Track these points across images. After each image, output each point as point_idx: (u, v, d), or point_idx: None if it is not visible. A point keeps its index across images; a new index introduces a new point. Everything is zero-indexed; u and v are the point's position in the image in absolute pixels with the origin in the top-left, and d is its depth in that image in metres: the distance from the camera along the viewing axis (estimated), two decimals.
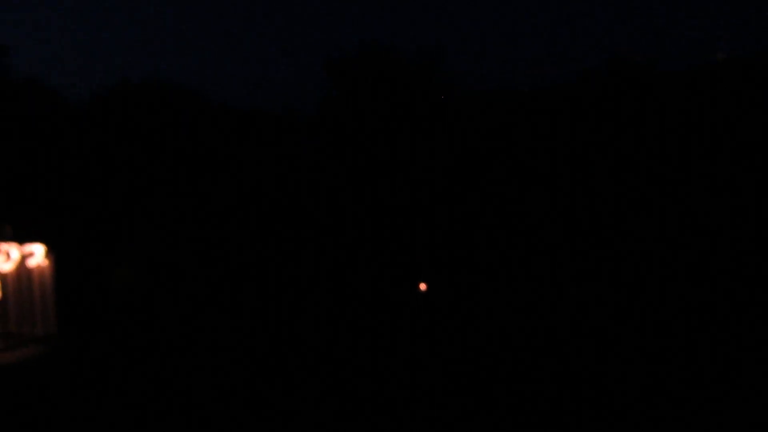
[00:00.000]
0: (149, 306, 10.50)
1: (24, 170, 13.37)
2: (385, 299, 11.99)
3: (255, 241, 13.92)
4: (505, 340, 9.68)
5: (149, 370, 8.06)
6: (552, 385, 7.79)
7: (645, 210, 15.41)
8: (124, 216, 13.28)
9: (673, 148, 16.05)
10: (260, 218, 14.86)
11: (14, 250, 7.99)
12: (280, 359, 8.79)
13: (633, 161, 16.05)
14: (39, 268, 8.11)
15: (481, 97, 18.40)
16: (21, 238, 8.15)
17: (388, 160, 17.20)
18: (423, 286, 13.01)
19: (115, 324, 9.60)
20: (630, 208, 15.56)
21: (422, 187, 16.69)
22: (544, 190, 16.50)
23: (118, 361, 8.23)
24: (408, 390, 7.77)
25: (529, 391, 7.61)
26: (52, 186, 13.26)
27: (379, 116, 17.84)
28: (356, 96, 18.39)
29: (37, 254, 8.13)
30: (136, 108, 15.88)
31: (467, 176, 16.92)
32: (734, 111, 15.95)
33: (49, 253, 8.14)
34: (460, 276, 13.65)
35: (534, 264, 14.00)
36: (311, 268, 13.51)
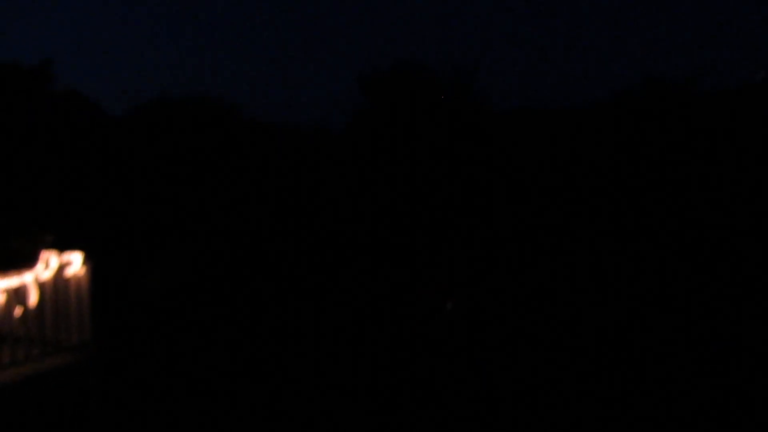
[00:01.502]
0: (183, 314, 10.64)
1: (65, 179, 13.74)
2: (412, 316, 11.97)
3: (288, 253, 14.04)
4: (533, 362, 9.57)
5: (182, 377, 8.15)
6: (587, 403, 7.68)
7: (679, 233, 15.13)
8: (160, 225, 13.53)
9: (714, 171, 15.78)
10: (293, 230, 14.99)
11: (53, 258, 8.13)
12: (311, 369, 8.83)
13: (673, 183, 15.81)
14: (76, 276, 8.24)
15: (515, 115, 18.37)
16: (60, 246, 8.31)
17: (419, 176, 17.24)
18: (450, 304, 12.94)
19: (148, 332, 9.75)
20: (665, 230, 15.30)
21: (454, 203, 16.67)
22: (578, 210, 16.34)
23: (151, 368, 8.35)
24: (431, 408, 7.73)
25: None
26: (91, 195, 13.59)
27: (412, 132, 17.91)
28: (389, 112, 18.50)
29: (75, 262, 8.26)
30: (175, 121, 16.22)
31: (499, 194, 16.85)
32: None
33: (87, 261, 8.27)
34: (489, 294, 13.55)
35: (570, 287, 13.84)
36: (342, 282, 13.56)
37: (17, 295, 7.69)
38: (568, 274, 14.23)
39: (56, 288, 7.97)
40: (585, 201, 16.39)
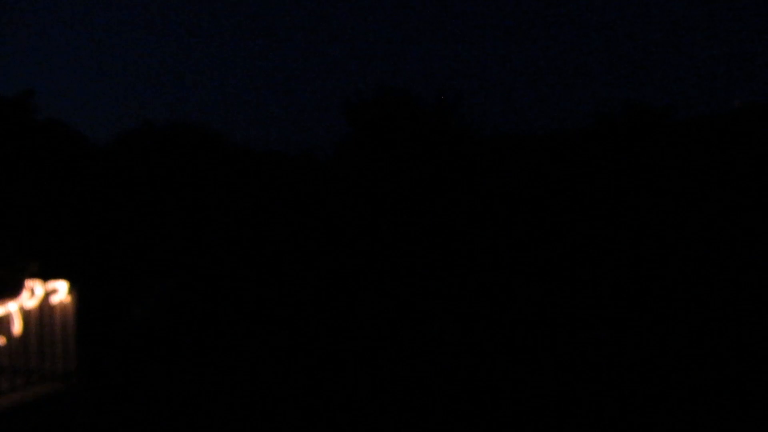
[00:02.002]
0: (169, 343, 10.54)
1: (49, 208, 13.66)
2: (397, 344, 11.95)
3: (276, 280, 14.01)
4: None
5: (170, 407, 8.04)
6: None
7: (660, 257, 15.35)
8: (145, 253, 13.47)
9: (693, 196, 16.07)
10: (280, 257, 14.98)
11: (38, 287, 8.08)
12: (308, 397, 8.76)
13: (652, 206, 16.07)
14: (61, 304, 8.19)
15: (497, 140, 18.64)
16: (45, 275, 8.26)
17: (404, 202, 17.36)
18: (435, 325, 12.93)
19: (134, 361, 9.63)
20: (647, 252, 15.50)
21: (439, 229, 16.79)
22: (562, 233, 16.53)
23: (138, 398, 8.23)
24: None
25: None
26: (75, 224, 13.52)
27: (396, 159, 18.09)
28: (373, 139, 18.70)
29: (61, 291, 8.21)
30: (159, 150, 16.24)
31: (483, 219, 17.01)
32: (756, 158, 15.99)
33: (72, 289, 8.22)
34: (477, 320, 13.59)
35: (559, 311, 13.92)
36: (329, 311, 13.53)
37: (1, 324, 7.62)
38: (551, 293, 14.35)
39: (41, 316, 7.90)
40: (567, 222, 16.59)
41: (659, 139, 17.71)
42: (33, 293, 7.96)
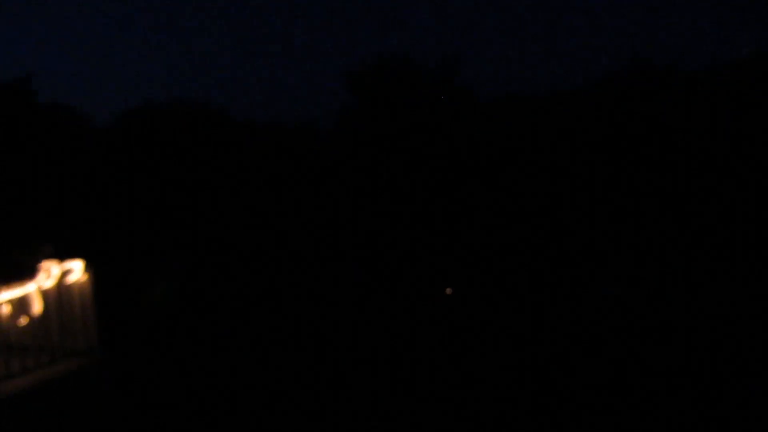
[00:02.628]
0: (186, 318, 10.73)
1: (61, 190, 13.78)
2: (408, 306, 12.09)
3: (283, 251, 14.14)
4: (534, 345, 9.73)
5: (189, 381, 8.24)
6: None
7: (665, 213, 15.34)
8: (156, 231, 13.60)
9: (701, 151, 15.95)
10: (286, 229, 15.09)
11: (54, 267, 8.22)
12: (315, 368, 8.94)
13: (660, 164, 15.99)
14: (78, 283, 8.34)
15: (500, 103, 18.51)
16: (60, 256, 8.39)
17: (407, 169, 17.36)
18: (449, 291, 13.09)
19: (153, 336, 9.83)
20: (650, 211, 15.50)
21: (442, 194, 16.81)
22: (566, 194, 16.51)
23: (158, 372, 8.43)
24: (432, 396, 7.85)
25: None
26: (87, 205, 13.63)
27: (398, 126, 18.03)
28: (375, 106, 18.62)
29: (76, 270, 8.35)
30: (164, 126, 16.28)
31: (488, 183, 17.00)
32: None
33: (88, 268, 8.36)
34: (484, 281, 13.71)
35: (557, 268, 14.01)
36: (333, 276, 13.68)
37: (21, 305, 7.78)
38: (561, 258, 14.42)
39: (59, 296, 8.06)
40: (574, 185, 16.55)
41: (666, 93, 17.50)
42: (49, 274, 8.10)
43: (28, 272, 8.14)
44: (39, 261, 8.23)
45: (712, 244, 13.65)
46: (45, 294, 8.01)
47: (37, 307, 7.91)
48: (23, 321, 7.77)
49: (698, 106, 16.64)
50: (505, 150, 17.17)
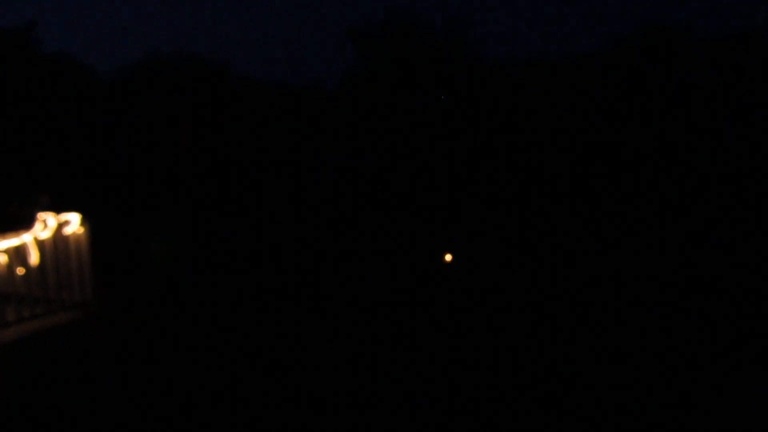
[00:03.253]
0: (182, 276, 10.72)
1: (59, 141, 13.67)
2: (408, 272, 12.06)
3: (285, 212, 14.06)
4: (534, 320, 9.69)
5: (182, 338, 8.26)
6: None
7: (677, 184, 15.15)
8: (156, 187, 13.52)
9: (715, 119, 15.68)
10: (288, 191, 14.99)
11: (51, 219, 8.17)
12: (309, 334, 8.94)
13: (673, 131, 15.74)
14: (75, 235, 8.28)
15: (510, 66, 18.18)
16: (58, 208, 8.33)
17: (413, 131, 17.16)
18: (448, 257, 13.03)
19: (148, 292, 9.84)
20: (663, 179, 15.31)
21: (448, 158, 16.64)
22: (575, 161, 16.33)
23: (152, 326, 8.46)
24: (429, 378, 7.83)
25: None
26: (85, 157, 13.54)
27: (405, 86, 17.76)
28: (383, 66, 18.32)
29: (73, 222, 8.29)
30: (167, 80, 16.06)
31: (495, 148, 16.81)
32: None
33: (85, 221, 8.30)
34: (485, 249, 13.64)
35: (562, 239, 13.91)
36: (337, 243, 13.63)
37: (18, 255, 7.75)
38: (565, 228, 14.30)
39: (56, 248, 8.01)
40: (584, 151, 16.34)
41: (680, 58, 17.14)
42: (46, 225, 8.05)
43: (24, 222, 8.10)
44: (36, 212, 8.17)
45: (726, 217, 13.46)
46: (41, 245, 7.97)
47: (33, 257, 7.88)
48: (20, 271, 7.76)
49: (712, 72, 16.31)
50: (512, 112, 16.93)
